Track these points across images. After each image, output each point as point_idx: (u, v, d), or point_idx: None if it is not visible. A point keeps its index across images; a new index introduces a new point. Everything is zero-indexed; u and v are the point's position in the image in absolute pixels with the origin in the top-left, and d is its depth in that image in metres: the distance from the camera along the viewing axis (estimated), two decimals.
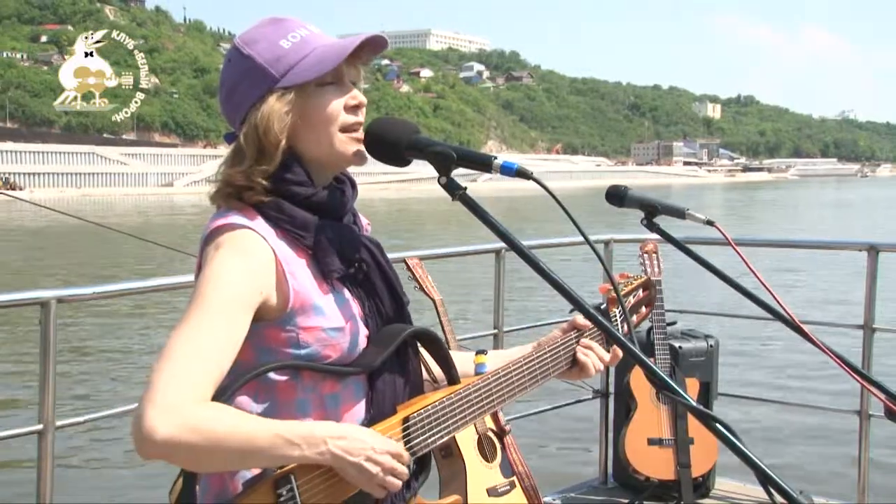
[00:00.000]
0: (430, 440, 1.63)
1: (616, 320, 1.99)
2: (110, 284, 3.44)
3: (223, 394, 1.47)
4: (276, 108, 1.59)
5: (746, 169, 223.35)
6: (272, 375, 1.57)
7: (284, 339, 1.58)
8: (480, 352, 1.88)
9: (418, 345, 1.72)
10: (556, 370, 1.88)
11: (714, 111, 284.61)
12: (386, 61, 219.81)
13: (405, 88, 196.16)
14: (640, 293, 2.13)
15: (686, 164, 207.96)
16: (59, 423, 3.01)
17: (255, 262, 1.54)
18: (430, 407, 1.64)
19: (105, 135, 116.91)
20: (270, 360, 1.56)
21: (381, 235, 1.79)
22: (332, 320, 1.60)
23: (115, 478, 7.86)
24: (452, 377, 1.74)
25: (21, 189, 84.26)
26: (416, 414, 1.62)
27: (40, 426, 2.97)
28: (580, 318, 1.91)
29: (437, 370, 1.78)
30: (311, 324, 1.58)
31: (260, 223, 1.58)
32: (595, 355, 1.91)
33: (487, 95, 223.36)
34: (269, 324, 1.57)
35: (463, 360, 1.85)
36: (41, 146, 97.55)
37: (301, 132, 1.62)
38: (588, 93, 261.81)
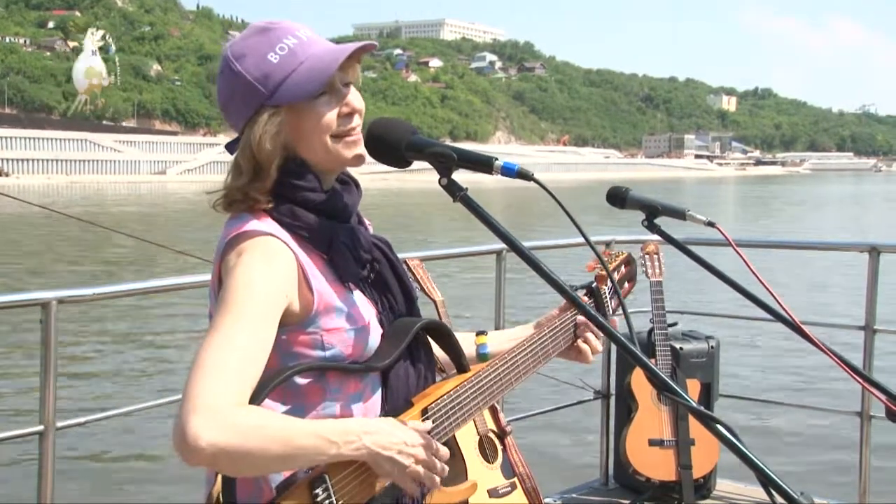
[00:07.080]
0: (448, 429, 1.66)
1: (606, 297, 2.05)
2: (112, 285, 3.44)
3: (253, 400, 1.47)
4: (267, 128, 1.59)
5: (759, 163, 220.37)
6: (299, 380, 1.57)
7: (309, 342, 1.59)
8: (481, 333, 1.94)
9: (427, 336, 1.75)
10: (556, 350, 1.93)
11: (729, 104, 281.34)
12: (398, 51, 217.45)
13: (413, 78, 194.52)
14: (623, 269, 2.18)
15: (697, 157, 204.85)
16: (59, 424, 3.00)
17: (280, 268, 1.55)
18: (445, 397, 1.67)
19: (105, 122, 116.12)
20: (296, 364, 1.56)
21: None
22: (353, 321, 1.62)
23: (116, 478, 7.86)
24: (462, 365, 1.77)
25: (7, 175, 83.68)
26: (433, 405, 1.65)
27: (41, 427, 2.96)
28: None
29: (443, 357, 1.80)
30: (334, 325, 1.60)
31: (278, 229, 1.59)
32: (591, 345, 1.98)
33: (498, 86, 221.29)
34: (293, 328, 1.57)
35: (463, 341, 1.89)
36: (33, 132, 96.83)
37: (297, 142, 1.63)
38: (602, 84, 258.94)
